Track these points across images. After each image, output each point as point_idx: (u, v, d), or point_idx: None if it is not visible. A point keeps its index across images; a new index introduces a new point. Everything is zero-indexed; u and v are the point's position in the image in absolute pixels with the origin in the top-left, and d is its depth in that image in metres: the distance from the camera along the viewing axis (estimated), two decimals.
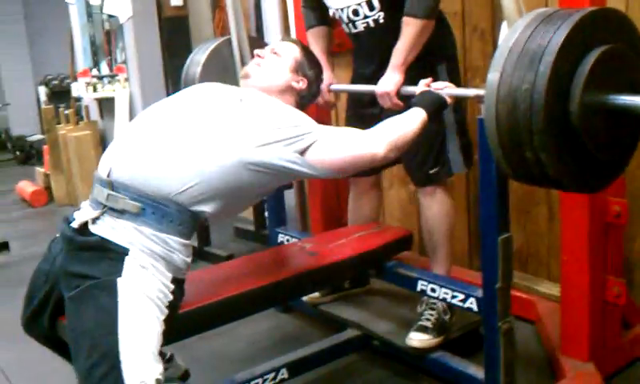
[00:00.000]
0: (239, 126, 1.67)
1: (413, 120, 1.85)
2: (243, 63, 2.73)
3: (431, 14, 2.11)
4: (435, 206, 2.32)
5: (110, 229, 1.57)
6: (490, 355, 1.94)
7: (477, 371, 2.03)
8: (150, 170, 1.60)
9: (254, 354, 2.49)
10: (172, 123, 1.71)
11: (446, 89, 1.96)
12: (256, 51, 1.98)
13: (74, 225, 1.61)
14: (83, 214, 1.62)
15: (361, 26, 2.24)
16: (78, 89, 5.98)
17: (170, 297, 1.58)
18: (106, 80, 5.74)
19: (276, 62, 1.95)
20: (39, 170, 6.37)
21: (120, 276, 1.51)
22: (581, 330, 2.09)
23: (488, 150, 1.64)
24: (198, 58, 2.70)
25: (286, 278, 1.99)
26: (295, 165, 1.67)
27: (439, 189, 2.31)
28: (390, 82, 2.17)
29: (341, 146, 1.73)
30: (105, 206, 1.59)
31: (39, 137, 8.65)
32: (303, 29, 2.57)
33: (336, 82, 2.48)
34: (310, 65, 2.01)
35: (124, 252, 1.54)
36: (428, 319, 2.25)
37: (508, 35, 1.49)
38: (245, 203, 1.85)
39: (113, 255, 1.54)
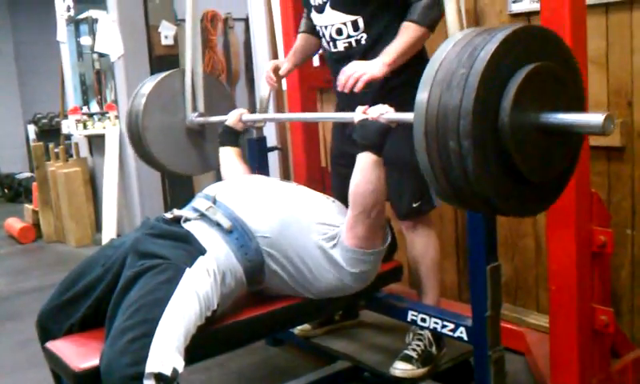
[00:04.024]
0: (327, 214, 2.01)
1: (367, 175, 1.89)
2: (194, 97, 2.76)
3: (433, 25, 2.10)
4: (418, 240, 2.33)
5: (198, 230, 1.85)
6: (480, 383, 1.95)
7: None
8: (250, 207, 1.93)
9: None
10: (278, 188, 2.12)
11: (384, 114, 1.87)
12: None
13: (168, 216, 1.91)
14: (181, 212, 1.93)
15: (341, 46, 2.25)
16: (68, 126, 6.00)
17: (212, 309, 1.74)
18: (96, 117, 5.77)
19: None
20: (28, 206, 6.35)
21: (190, 267, 1.71)
22: (570, 359, 2.10)
23: None
24: (143, 90, 2.70)
25: (278, 309, 1.99)
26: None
27: (421, 222, 2.32)
28: (367, 66, 2.08)
29: None
30: (202, 214, 1.89)
31: (28, 175, 8.65)
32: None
33: (287, 69, 2.56)
34: None
35: (201, 251, 1.78)
36: (414, 349, 2.25)
37: (436, 54, 1.41)
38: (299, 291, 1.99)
39: (191, 249, 1.77)
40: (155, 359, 1.50)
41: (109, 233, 5.05)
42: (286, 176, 3.95)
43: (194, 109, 2.76)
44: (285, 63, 2.55)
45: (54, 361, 1.74)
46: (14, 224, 6.17)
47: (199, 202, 1.96)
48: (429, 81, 1.36)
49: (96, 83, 6.19)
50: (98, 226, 5.66)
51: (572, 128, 1.34)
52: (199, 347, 1.71)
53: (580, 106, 1.44)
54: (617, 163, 2.43)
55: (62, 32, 6.19)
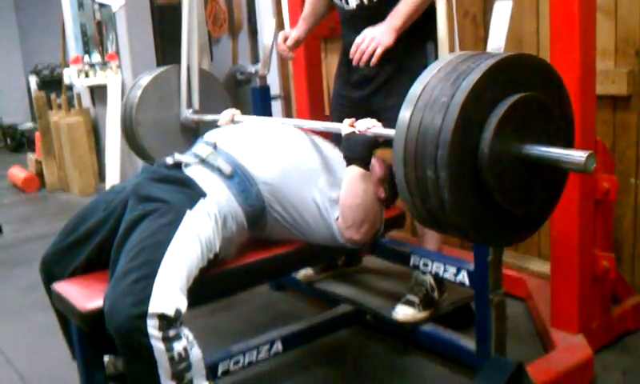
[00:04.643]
0: (329, 165, 1.99)
1: (353, 188, 1.89)
2: (190, 94, 2.73)
3: None
4: None
5: (199, 174, 1.84)
6: (481, 327, 1.97)
7: (468, 343, 2.06)
8: (252, 153, 1.91)
9: (250, 329, 2.51)
10: (280, 134, 2.05)
11: (371, 129, 1.84)
12: None
13: (169, 161, 1.89)
14: (182, 157, 1.91)
15: (353, 3, 2.25)
16: (69, 75, 5.96)
17: (214, 252, 1.74)
18: (97, 67, 5.73)
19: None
20: (31, 156, 6.36)
21: (190, 210, 1.71)
22: (571, 304, 2.13)
23: None
24: (140, 82, 2.70)
25: (281, 253, 2.00)
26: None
27: None
28: (378, 36, 2.11)
29: None
30: (203, 159, 1.88)
31: (30, 125, 8.65)
32: (296, 21, 2.59)
33: (295, 38, 2.49)
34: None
35: (201, 194, 1.77)
36: (416, 294, 2.28)
37: (421, 77, 1.37)
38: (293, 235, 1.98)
39: (191, 193, 1.77)
40: (158, 299, 1.51)
41: (112, 182, 5.07)
42: None
43: (189, 105, 2.74)
44: (293, 31, 2.51)
45: (60, 302, 1.75)
46: (18, 173, 6.19)
47: (200, 147, 1.95)
48: (411, 104, 1.33)
49: (97, 34, 6.12)
50: (101, 175, 5.68)
51: (553, 162, 1.30)
52: (203, 290, 1.72)
53: (567, 138, 1.40)
54: (623, 112, 2.42)
55: None
